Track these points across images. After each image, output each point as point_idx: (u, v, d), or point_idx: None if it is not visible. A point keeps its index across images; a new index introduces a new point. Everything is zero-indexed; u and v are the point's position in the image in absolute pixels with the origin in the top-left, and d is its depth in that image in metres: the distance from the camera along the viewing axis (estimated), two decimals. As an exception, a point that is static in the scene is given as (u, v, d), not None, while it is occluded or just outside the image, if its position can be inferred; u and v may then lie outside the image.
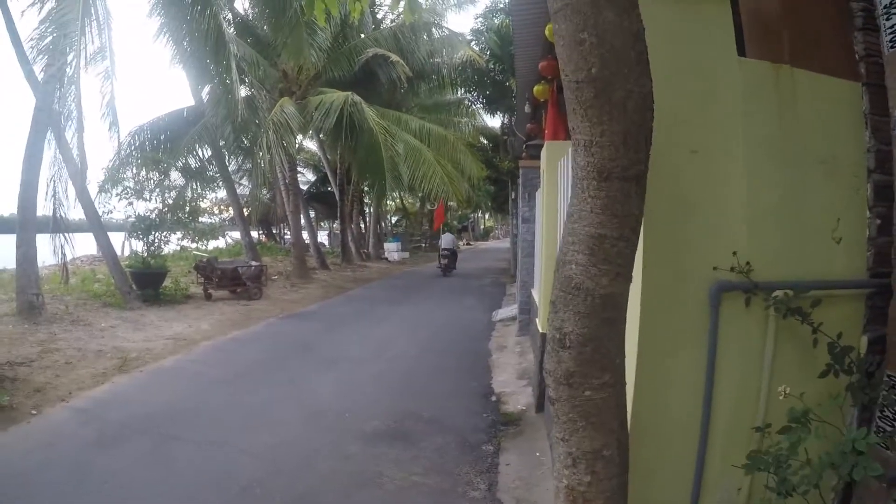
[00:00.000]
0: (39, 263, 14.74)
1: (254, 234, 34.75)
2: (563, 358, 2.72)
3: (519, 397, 8.88)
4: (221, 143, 24.17)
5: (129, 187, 18.70)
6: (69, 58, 14.48)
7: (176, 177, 23.25)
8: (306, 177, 48.84)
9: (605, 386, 2.72)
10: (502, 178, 36.21)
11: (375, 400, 8.75)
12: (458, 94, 33.05)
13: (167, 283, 18.15)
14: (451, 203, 47.97)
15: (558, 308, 2.76)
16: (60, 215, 14.97)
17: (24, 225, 13.76)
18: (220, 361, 11.17)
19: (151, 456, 6.62)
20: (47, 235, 14.91)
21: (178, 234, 20.59)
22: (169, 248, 20.53)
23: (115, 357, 10.85)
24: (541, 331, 7.71)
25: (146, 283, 17.11)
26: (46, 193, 14.69)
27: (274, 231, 47.20)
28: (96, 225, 16.77)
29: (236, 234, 29.30)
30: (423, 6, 28.77)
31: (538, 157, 9.74)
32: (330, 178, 35.85)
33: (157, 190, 19.27)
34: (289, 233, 32.49)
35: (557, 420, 2.83)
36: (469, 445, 7.12)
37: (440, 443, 7.15)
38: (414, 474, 6.25)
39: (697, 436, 3.57)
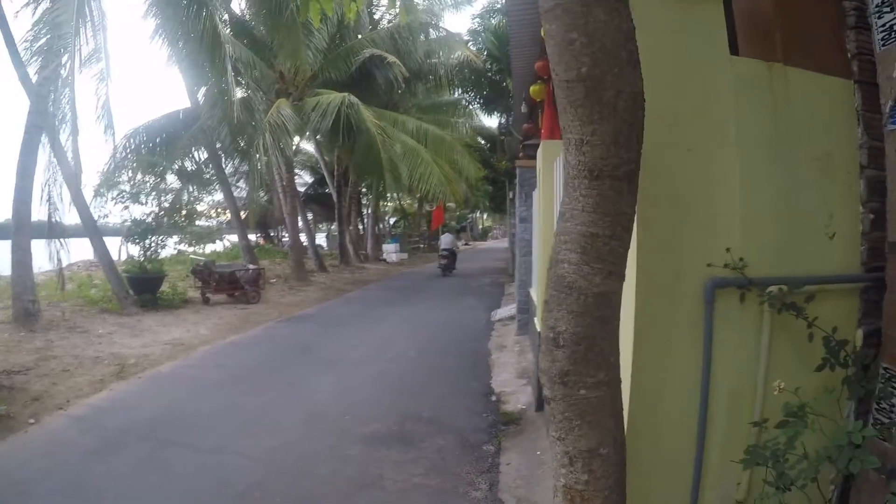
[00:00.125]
0: (35, 269, 14.68)
1: (251, 236, 34.75)
2: (558, 357, 2.72)
3: (519, 396, 8.88)
4: (218, 145, 24.16)
5: (125, 191, 18.62)
6: (63, 59, 14.47)
7: (172, 180, 23.22)
8: (304, 179, 48.78)
9: (600, 384, 2.72)
10: (500, 178, 36.21)
11: (375, 401, 8.74)
12: (456, 95, 33.11)
13: (164, 287, 18.07)
14: (450, 204, 47.98)
15: (552, 307, 2.76)
16: (55, 220, 14.94)
17: (19, 230, 13.72)
18: (218, 366, 11.13)
19: (150, 462, 6.60)
20: (43, 241, 14.88)
21: (175, 238, 20.55)
22: (166, 253, 20.50)
23: (113, 364, 10.82)
24: (539, 330, 7.72)
25: (143, 288, 17.04)
26: (41, 198, 14.66)
27: (272, 234, 47.15)
28: (92, 229, 16.68)
29: (234, 238, 29.29)
30: (420, 7, 28.85)
31: (535, 157, 9.73)
32: (327, 179, 35.79)
33: (153, 193, 19.19)
34: (287, 235, 32.50)
35: (553, 419, 2.84)
36: (470, 445, 7.11)
37: (441, 443, 7.15)
38: (415, 475, 6.25)
39: (695, 432, 3.58)
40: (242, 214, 29.01)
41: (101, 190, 18.95)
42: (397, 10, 29.11)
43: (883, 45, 3.53)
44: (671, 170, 3.50)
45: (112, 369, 10.47)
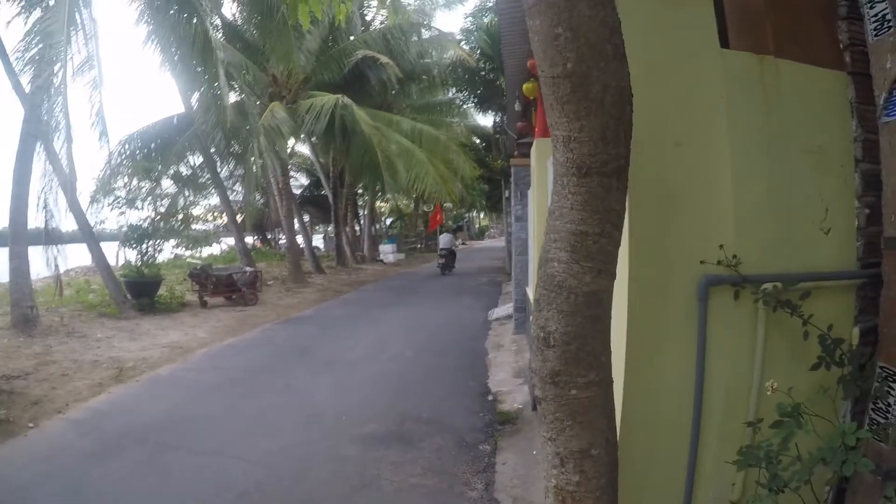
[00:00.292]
0: (33, 276, 14.71)
1: (248, 239, 34.71)
2: (549, 357, 2.70)
3: (515, 396, 8.87)
4: (212, 149, 24.16)
5: (121, 196, 18.65)
6: (56, 68, 14.44)
7: (168, 185, 23.21)
8: (299, 181, 48.82)
9: (591, 384, 2.70)
10: (496, 177, 36.26)
11: (373, 402, 8.74)
12: (450, 94, 33.13)
13: (162, 291, 18.11)
14: (447, 204, 48.04)
15: (542, 306, 2.74)
16: (52, 227, 14.92)
17: (16, 238, 13.71)
18: (216, 368, 11.14)
19: (149, 465, 6.60)
20: (40, 247, 14.86)
21: (172, 242, 20.59)
22: (163, 257, 20.53)
23: (112, 367, 10.83)
24: (533, 329, 7.69)
25: (141, 292, 17.08)
26: (38, 205, 14.63)
27: (269, 236, 47.10)
28: (89, 235, 16.72)
29: (231, 241, 29.28)
30: (412, 7, 28.84)
31: (529, 156, 9.73)
32: (323, 181, 35.78)
33: (149, 198, 19.21)
34: (283, 237, 32.49)
35: (544, 419, 2.81)
36: (466, 445, 7.11)
37: (438, 443, 7.15)
38: (412, 475, 6.25)
39: (689, 432, 3.54)
40: (239, 217, 29.01)
41: (98, 196, 19.00)
42: (386, 11, 29.13)
43: (875, 35, 3.48)
44: (662, 166, 3.47)
45: (110, 373, 10.48)
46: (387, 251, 41.10)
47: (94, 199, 19.03)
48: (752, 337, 3.58)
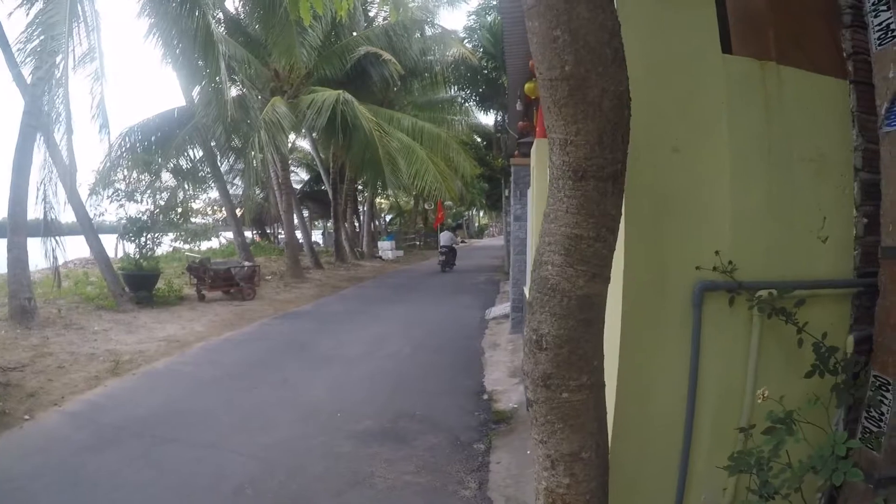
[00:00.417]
0: (32, 267, 14.67)
1: (247, 233, 34.72)
2: (541, 360, 2.70)
3: (510, 395, 8.86)
4: (213, 143, 24.18)
5: (121, 189, 18.60)
6: (57, 60, 14.42)
7: (167, 178, 23.12)
8: (299, 176, 48.92)
9: (583, 388, 2.70)
10: (496, 176, 36.21)
11: (368, 399, 8.73)
12: (452, 92, 33.06)
13: (160, 284, 18.08)
14: (448, 203, 48.02)
15: (535, 309, 2.74)
16: (51, 218, 14.91)
17: (15, 229, 13.67)
18: (213, 362, 11.14)
19: (144, 459, 6.60)
20: (39, 239, 14.85)
21: (171, 236, 20.58)
22: (161, 250, 20.49)
23: (108, 360, 10.81)
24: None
25: (139, 285, 17.05)
26: (37, 197, 14.63)
27: (268, 231, 47.15)
28: (88, 227, 16.67)
29: (230, 235, 29.26)
30: (415, 4, 28.81)
31: (530, 155, 9.73)
32: (323, 176, 35.76)
33: (149, 191, 19.15)
34: (282, 232, 32.48)
35: (535, 422, 2.82)
36: (461, 444, 7.11)
37: (432, 442, 7.15)
38: (406, 473, 6.25)
39: (681, 436, 3.55)
40: (238, 212, 29.03)
41: (97, 188, 18.96)
42: (388, 8, 29.12)
43: (879, 44, 3.47)
44: (659, 170, 3.47)
45: (107, 366, 10.46)
46: (385, 248, 41.10)
47: (93, 192, 18.98)
48: (746, 343, 3.59)
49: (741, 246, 3.55)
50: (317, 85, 24.79)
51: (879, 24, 3.45)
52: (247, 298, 18.92)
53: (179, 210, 20.91)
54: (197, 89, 21.85)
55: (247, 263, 20.56)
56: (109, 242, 19.54)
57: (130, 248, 18.46)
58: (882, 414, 3.24)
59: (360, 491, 5.86)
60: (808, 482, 3.01)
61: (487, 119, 37.11)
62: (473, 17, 27.13)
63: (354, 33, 27.93)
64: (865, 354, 3.48)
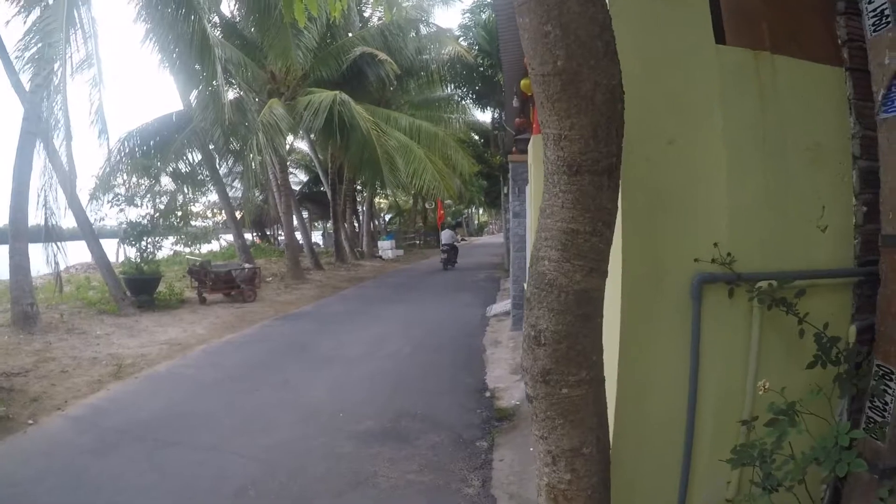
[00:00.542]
0: (34, 273, 14.70)
1: (247, 236, 34.70)
2: (539, 355, 2.69)
3: (513, 392, 8.84)
4: (211, 146, 24.18)
5: (120, 194, 18.62)
6: (55, 66, 14.41)
7: (167, 182, 23.14)
8: (298, 177, 48.95)
9: (582, 383, 2.69)
10: (494, 174, 36.29)
11: (369, 399, 8.73)
12: (448, 91, 33.04)
13: (161, 288, 18.12)
14: (448, 201, 48.01)
15: (533, 305, 2.73)
16: (52, 224, 14.90)
17: (16, 235, 13.68)
18: (214, 365, 11.13)
19: (147, 462, 6.60)
20: (40, 245, 14.86)
21: (171, 239, 20.60)
22: (162, 254, 20.53)
23: (111, 364, 10.82)
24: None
25: (140, 289, 17.09)
26: (37, 203, 14.60)
27: (268, 232, 47.16)
28: (88, 233, 16.67)
29: (230, 237, 29.26)
30: (409, 3, 28.81)
31: (527, 152, 9.72)
32: (322, 177, 35.74)
33: (148, 195, 19.17)
34: (282, 234, 32.49)
35: (536, 418, 2.81)
36: (463, 442, 7.10)
37: (434, 440, 7.14)
38: (408, 472, 6.24)
39: (683, 430, 3.54)
40: (238, 214, 29.01)
41: (97, 193, 18.97)
42: (381, 8, 29.12)
43: (874, 30, 3.45)
44: (655, 164, 3.45)
45: (110, 370, 10.47)
46: (385, 247, 41.02)
47: (93, 197, 19.01)
48: (746, 335, 3.58)
49: (739, 237, 3.54)
50: (313, 86, 24.80)
51: (874, 10, 3.43)
52: (247, 300, 18.91)
53: (179, 213, 20.93)
54: (194, 93, 21.84)
55: (247, 265, 20.56)
56: (110, 247, 19.54)
57: (131, 252, 18.50)
58: (886, 404, 3.22)
59: (362, 491, 5.86)
60: (812, 474, 3.01)
61: (484, 116, 37.14)
62: (468, 14, 27.10)
63: (350, 34, 27.95)
64: (868, 344, 3.46)
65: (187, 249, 23.39)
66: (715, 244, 3.46)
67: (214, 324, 15.39)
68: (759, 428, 3.18)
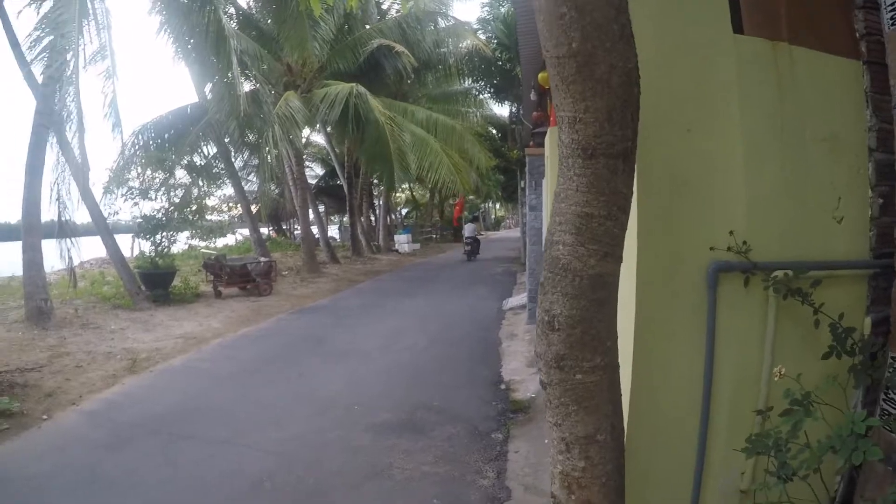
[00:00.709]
0: (47, 268, 14.82)
1: (263, 230, 34.77)
2: (553, 340, 2.67)
3: (528, 385, 8.84)
4: (226, 139, 24.21)
5: (134, 187, 18.65)
6: (68, 57, 14.44)
7: (181, 175, 23.16)
8: (315, 171, 48.95)
9: (597, 369, 2.67)
10: (511, 168, 36.20)
11: (385, 392, 8.75)
12: (466, 84, 33.01)
13: (176, 282, 18.21)
14: (471, 197, 48.03)
15: (547, 290, 2.71)
16: (66, 219, 14.96)
17: (29, 230, 13.75)
18: (229, 359, 11.16)
19: (162, 455, 6.63)
20: (54, 241, 14.91)
21: (186, 233, 20.63)
22: (177, 248, 20.59)
23: (125, 358, 10.87)
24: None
25: (155, 284, 17.15)
26: (51, 197, 14.69)
27: (284, 226, 47.26)
28: (102, 227, 16.73)
29: (246, 231, 29.34)
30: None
31: (544, 145, 9.71)
32: (338, 171, 35.80)
33: (163, 189, 19.19)
34: (298, 227, 32.54)
35: (550, 404, 2.79)
36: (478, 434, 7.11)
37: (450, 432, 7.15)
38: (424, 464, 6.26)
39: (698, 418, 3.51)
40: (254, 208, 29.06)
41: (111, 187, 19.00)
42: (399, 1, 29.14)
43: (892, 25, 3.44)
44: (672, 150, 3.43)
45: (124, 364, 10.51)
46: (402, 241, 41.09)
47: (107, 190, 19.01)
48: (762, 325, 3.55)
49: (755, 226, 3.52)
50: (330, 79, 24.80)
51: (891, 4, 3.43)
52: (263, 294, 18.96)
53: (194, 207, 20.91)
54: (209, 85, 21.83)
55: (263, 259, 20.57)
56: (125, 242, 19.60)
57: (146, 246, 18.55)
58: (901, 396, 3.21)
59: (378, 482, 5.88)
60: (827, 465, 2.98)
61: (502, 110, 37.15)
62: (487, 8, 27.03)
63: (367, 26, 27.95)
64: (883, 336, 3.44)
65: (202, 243, 23.46)
66: (731, 232, 3.44)
67: (230, 317, 15.43)
68: (774, 418, 3.17)
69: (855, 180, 3.71)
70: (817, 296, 3.38)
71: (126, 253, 18.29)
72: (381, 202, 45.03)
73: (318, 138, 41.28)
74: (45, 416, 7.94)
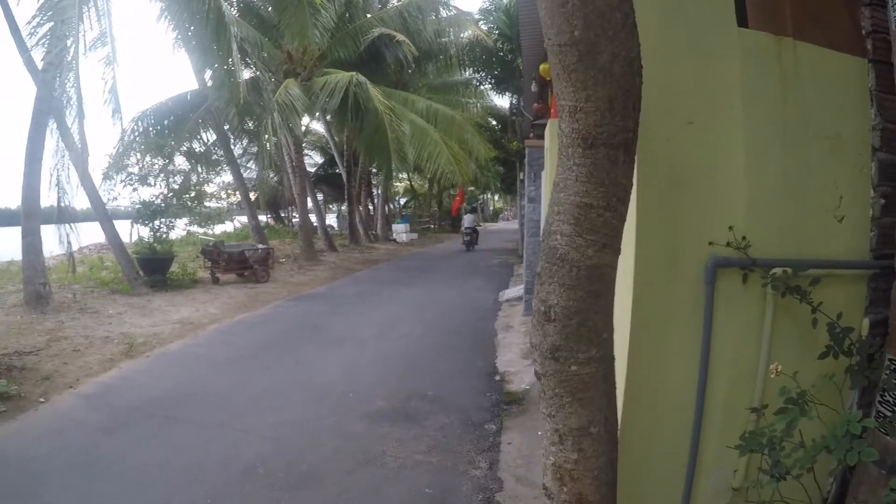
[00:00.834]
0: (47, 253, 14.82)
1: (262, 217, 34.76)
2: (549, 331, 2.65)
3: (523, 376, 8.84)
4: (226, 126, 24.22)
5: (134, 173, 18.62)
6: (68, 44, 14.39)
7: (181, 161, 23.14)
8: (313, 159, 48.87)
9: (592, 361, 2.65)
10: (511, 159, 36.18)
11: (380, 380, 8.78)
12: (467, 75, 32.97)
13: (174, 268, 18.25)
14: (471, 188, 48.02)
15: (543, 280, 2.69)
16: (65, 204, 15.00)
17: (29, 215, 13.74)
18: (226, 344, 11.19)
19: (157, 439, 6.66)
20: (53, 226, 14.92)
21: (185, 220, 20.62)
22: (175, 234, 20.59)
23: (123, 343, 10.90)
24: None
25: (153, 269, 17.20)
26: (50, 183, 14.75)
27: (282, 214, 47.28)
28: (101, 213, 16.69)
29: (244, 218, 29.34)
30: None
31: (544, 137, 9.68)
32: (337, 159, 35.74)
33: (162, 175, 19.17)
34: (297, 215, 32.53)
35: (544, 395, 2.78)
36: (472, 424, 7.13)
37: (443, 422, 7.17)
38: (416, 453, 6.29)
39: (692, 414, 3.50)
40: (252, 195, 29.04)
41: (110, 173, 18.97)
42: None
43: (898, 23, 3.42)
44: (673, 143, 3.41)
45: (121, 348, 10.55)
46: (400, 231, 41.18)
47: (106, 176, 18.97)
48: (759, 322, 3.54)
49: (755, 222, 3.49)
50: (330, 67, 24.72)
51: (897, 3, 3.39)
52: (261, 281, 19.00)
53: (193, 194, 20.89)
54: (209, 72, 21.80)
55: (261, 246, 20.65)
56: (123, 227, 19.61)
57: (144, 232, 18.59)
58: (896, 398, 3.19)
59: (370, 470, 5.90)
60: (821, 465, 2.97)
61: (503, 101, 37.04)
62: (489, -2, 27.04)
63: (368, 14, 27.93)
64: (881, 337, 3.42)
65: (201, 230, 23.45)
66: (730, 228, 3.42)
67: (227, 304, 15.47)
68: (769, 416, 3.16)
69: (857, 179, 3.68)
70: (816, 294, 3.36)
71: (125, 238, 18.29)
72: (379, 191, 45.04)
73: (318, 126, 41.26)
74: (42, 399, 7.95)
